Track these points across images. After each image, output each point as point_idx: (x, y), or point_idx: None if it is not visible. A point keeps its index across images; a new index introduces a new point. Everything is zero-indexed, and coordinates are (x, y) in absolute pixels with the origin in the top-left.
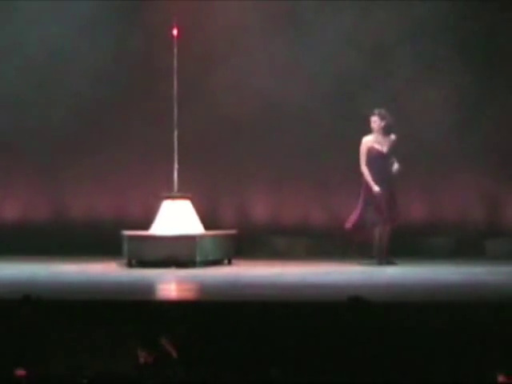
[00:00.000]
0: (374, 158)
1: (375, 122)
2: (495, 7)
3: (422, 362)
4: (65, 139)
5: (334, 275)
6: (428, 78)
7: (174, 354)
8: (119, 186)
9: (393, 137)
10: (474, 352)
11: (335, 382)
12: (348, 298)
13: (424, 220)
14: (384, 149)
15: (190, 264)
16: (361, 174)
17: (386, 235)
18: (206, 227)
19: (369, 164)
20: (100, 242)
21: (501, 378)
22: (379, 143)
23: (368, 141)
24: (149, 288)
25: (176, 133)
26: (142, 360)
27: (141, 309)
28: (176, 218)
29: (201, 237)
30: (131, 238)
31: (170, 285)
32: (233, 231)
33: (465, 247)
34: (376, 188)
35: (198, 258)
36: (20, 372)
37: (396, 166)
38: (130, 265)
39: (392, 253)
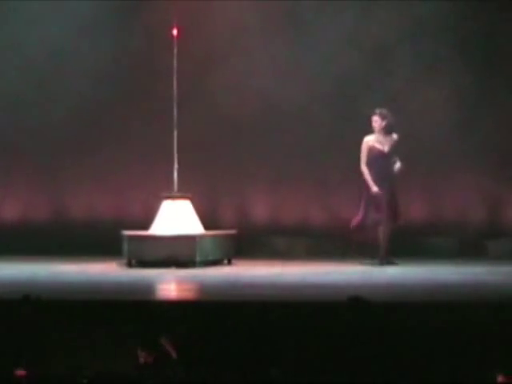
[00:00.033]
0: (375, 157)
1: (376, 121)
2: (495, 7)
3: (422, 362)
4: (65, 139)
5: (333, 275)
6: (428, 78)
7: (174, 354)
8: (119, 185)
9: (395, 136)
10: (474, 352)
11: (335, 382)
12: (348, 298)
13: (424, 220)
14: (385, 148)
15: (189, 264)
16: (361, 174)
17: (386, 235)
18: (206, 227)
19: (369, 163)
20: (100, 242)
21: (501, 378)
22: (380, 143)
23: (369, 140)
24: (149, 288)
25: (176, 133)
26: (141, 360)
27: (141, 309)
28: (176, 217)
29: (201, 237)
30: (131, 237)
31: (170, 285)
32: (233, 231)
33: (465, 247)
34: (375, 188)
35: (198, 258)
36: (20, 372)
37: (398, 165)
38: (129, 265)
39: (392, 253)
